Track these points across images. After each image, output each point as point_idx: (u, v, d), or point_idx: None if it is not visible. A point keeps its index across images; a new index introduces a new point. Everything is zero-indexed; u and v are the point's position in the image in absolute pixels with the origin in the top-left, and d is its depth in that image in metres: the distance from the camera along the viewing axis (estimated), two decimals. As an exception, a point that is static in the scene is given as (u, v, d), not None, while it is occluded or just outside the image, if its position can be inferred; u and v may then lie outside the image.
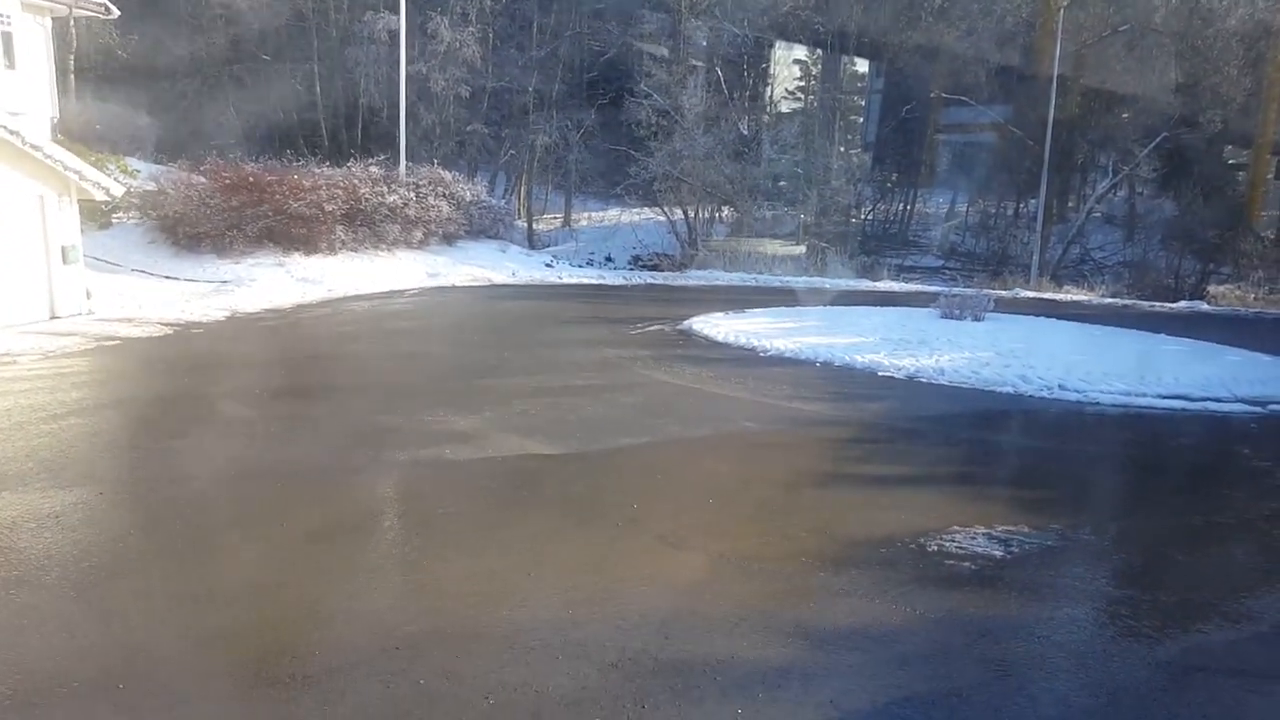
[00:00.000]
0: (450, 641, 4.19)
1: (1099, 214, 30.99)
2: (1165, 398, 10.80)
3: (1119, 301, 23.61)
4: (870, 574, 5.17)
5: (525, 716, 3.63)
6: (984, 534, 5.87)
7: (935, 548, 5.60)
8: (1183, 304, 23.46)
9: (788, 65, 35.56)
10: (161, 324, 13.07)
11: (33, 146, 12.40)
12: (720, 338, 13.66)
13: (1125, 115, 29.14)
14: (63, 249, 13.12)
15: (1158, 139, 27.49)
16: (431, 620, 4.39)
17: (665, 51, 28.80)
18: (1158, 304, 23.24)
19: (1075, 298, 24.14)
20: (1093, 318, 18.96)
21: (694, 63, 28.36)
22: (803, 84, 36.07)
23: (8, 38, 15.93)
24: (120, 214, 19.94)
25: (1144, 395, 10.84)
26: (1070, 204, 33.25)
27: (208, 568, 4.89)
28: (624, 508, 6.12)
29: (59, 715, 3.52)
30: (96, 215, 18.86)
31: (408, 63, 24.46)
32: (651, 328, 14.79)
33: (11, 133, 12.05)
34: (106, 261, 17.53)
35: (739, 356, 12.48)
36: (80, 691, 3.68)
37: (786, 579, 5.05)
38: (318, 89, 28.82)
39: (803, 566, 5.22)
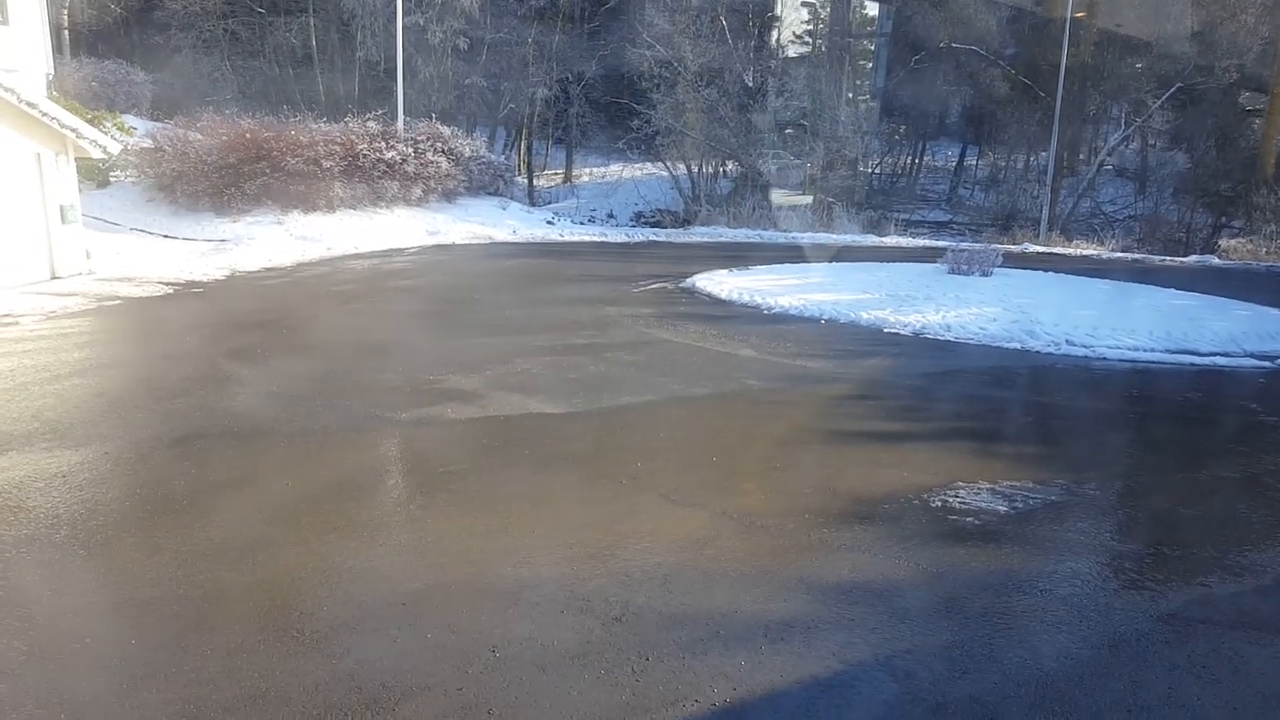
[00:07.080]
0: (455, 597, 4.22)
1: (1110, 167, 30.65)
2: (1173, 353, 10.75)
3: (1129, 256, 23.42)
4: (873, 529, 5.17)
5: (530, 669, 3.66)
6: (988, 489, 5.87)
7: (939, 503, 5.60)
8: (1193, 258, 23.28)
9: (795, 8, 34.84)
10: (162, 283, 13.04)
11: (28, 104, 12.25)
12: (724, 295, 13.58)
13: (1139, 65, 28.62)
14: (61, 208, 13.04)
15: (1171, 90, 27.00)
16: (436, 577, 4.41)
17: (668, -1, 28.19)
18: (1168, 258, 23.05)
19: (1085, 252, 23.95)
20: (1102, 272, 18.82)
21: (695, 8, 27.69)
22: (810, 28, 35.38)
23: (-1, -8, 15.66)
24: (118, 173, 19.80)
25: (1151, 350, 10.79)
26: (1081, 157, 32.83)
27: (213, 525, 4.91)
28: (627, 465, 6.12)
29: (71, 671, 3.55)
30: (94, 174, 18.74)
31: (405, 14, 24.06)
32: (654, 285, 14.70)
33: (7, 90, 11.89)
34: (105, 220, 17.44)
35: (742, 314, 12.41)
36: (91, 648, 3.72)
37: (789, 535, 5.06)
38: (314, 42, 28.44)
39: (805, 522, 5.22)
